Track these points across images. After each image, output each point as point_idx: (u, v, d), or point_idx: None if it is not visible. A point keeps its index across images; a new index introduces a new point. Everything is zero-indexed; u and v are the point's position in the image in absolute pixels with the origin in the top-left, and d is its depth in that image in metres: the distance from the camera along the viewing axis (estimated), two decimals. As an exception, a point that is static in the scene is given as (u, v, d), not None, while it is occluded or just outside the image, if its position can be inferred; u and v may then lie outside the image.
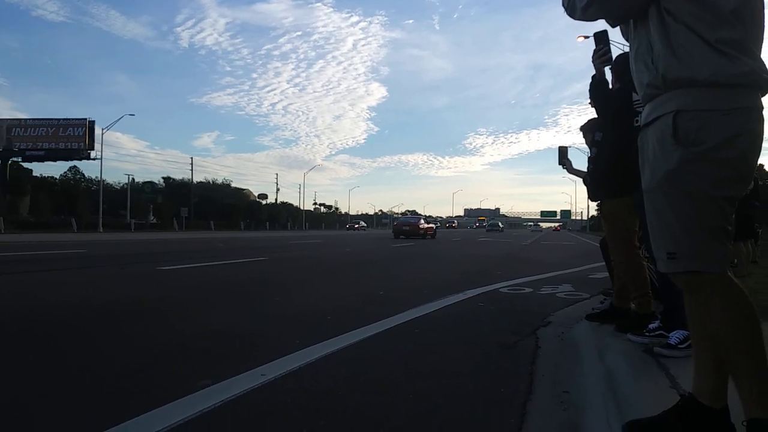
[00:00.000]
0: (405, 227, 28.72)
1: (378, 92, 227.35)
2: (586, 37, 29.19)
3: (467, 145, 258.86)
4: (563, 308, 4.75)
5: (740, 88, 1.44)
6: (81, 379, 2.45)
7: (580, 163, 5.06)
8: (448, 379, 2.55)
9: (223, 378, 2.38)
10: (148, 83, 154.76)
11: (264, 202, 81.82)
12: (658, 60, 1.51)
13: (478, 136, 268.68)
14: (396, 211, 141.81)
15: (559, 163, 4.29)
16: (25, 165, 52.33)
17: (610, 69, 3.35)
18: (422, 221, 30.13)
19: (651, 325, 3.02)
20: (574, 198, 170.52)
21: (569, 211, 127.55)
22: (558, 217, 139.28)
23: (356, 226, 73.08)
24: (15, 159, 49.85)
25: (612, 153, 3.36)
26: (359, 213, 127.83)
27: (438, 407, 2.15)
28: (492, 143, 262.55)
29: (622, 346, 2.91)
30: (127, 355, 2.89)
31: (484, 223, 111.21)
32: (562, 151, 4.27)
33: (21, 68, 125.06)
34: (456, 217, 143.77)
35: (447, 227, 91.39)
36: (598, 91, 3.42)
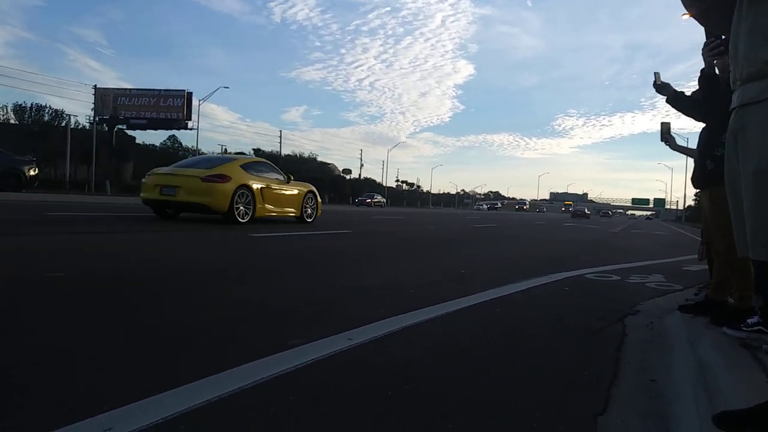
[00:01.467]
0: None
1: (465, 70, 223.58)
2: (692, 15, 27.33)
3: (556, 127, 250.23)
4: (653, 298, 4.59)
5: None
6: (185, 331, 2.65)
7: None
8: (530, 358, 2.57)
9: (312, 339, 2.51)
10: (241, 57, 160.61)
11: (348, 177, 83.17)
12: None
13: (568, 117, 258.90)
14: (479, 192, 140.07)
15: (662, 140, 4.07)
16: (129, 132, 55.92)
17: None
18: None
19: (750, 320, 2.88)
20: (670, 186, 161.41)
21: (663, 199, 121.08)
22: (651, 205, 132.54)
23: (368, 200, 56.31)
24: (120, 126, 53.31)
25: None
26: (441, 192, 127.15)
27: (518, 382, 2.18)
28: (582, 125, 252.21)
29: (715, 338, 2.79)
30: (222, 312, 3.09)
31: (571, 207, 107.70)
32: (665, 127, 4.03)
33: (126, 41, 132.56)
34: (541, 200, 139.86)
35: (516, 209, 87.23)
36: (708, 86, 3.23)
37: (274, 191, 11.35)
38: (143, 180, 10.70)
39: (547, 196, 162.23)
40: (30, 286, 3.45)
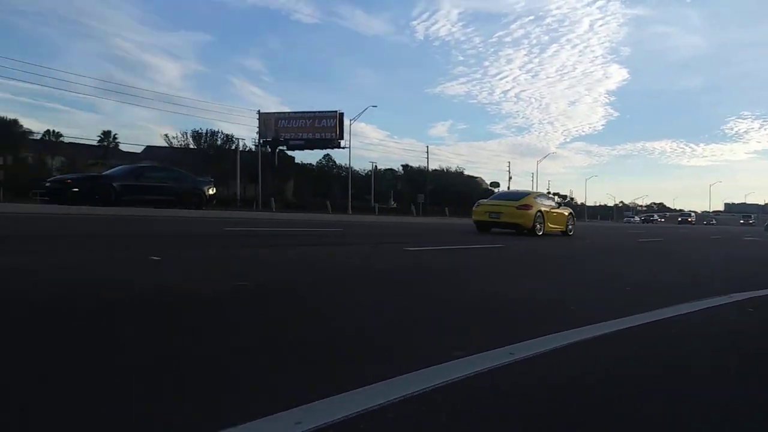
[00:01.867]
0: None
1: (618, 75, 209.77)
2: None
3: (727, 131, 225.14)
4: None
5: None
6: (354, 337, 2.83)
7: None
8: (708, 389, 2.38)
9: (474, 352, 2.54)
10: (387, 76, 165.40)
11: (496, 190, 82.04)
12: None
13: (741, 120, 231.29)
14: (640, 204, 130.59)
15: None
16: (289, 153, 60.27)
17: None
18: None
19: None
20: None
21: None
22: None
23: None
24: (281, 147, 57.63)
25: None
26: (597, 204, 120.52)
27: (691, 412, 2.04)
28: (759, 128, 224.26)
29: None
30: (393, 318, 3.24)
31: (751, 219, 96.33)
32: None
33: (283, 67, 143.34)
34: (714, 212, 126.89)
35: (679, 221, 78.23)
36: None
37: (553, 213, 16.54)
38: (474, 208, 16.52)
39: (721, 207, 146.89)
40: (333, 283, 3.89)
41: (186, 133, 58.43)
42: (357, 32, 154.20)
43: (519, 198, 16.13)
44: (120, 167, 21.24)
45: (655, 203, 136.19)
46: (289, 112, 57.61)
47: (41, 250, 6.23)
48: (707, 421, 1.94)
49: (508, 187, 78.16)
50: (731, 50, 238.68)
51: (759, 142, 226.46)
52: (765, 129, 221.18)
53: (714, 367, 2.66)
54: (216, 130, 59.60)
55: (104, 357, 2.29)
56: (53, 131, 62.35)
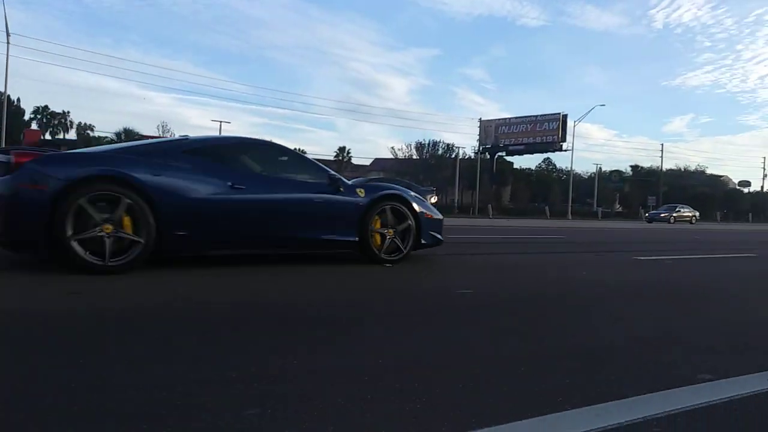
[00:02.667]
0: None
1: None
2: None
3: None
4: None
5: None
6: (603, 351, 2.79)
7: None
8: None
9: (723, 376, 2.34)
10: (618, 72, 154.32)
11: (746, 190, 71.64)
12: None
13: None
14: None
15: None
16: (508, 158, 59.96)
17: None
18: None
19: None
20: None
21: None
22: None
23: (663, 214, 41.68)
24: (500, 153, 57.63)
25: None
26: None
27: None
28: None
29: None
30: (602, 342, 3.12)
31: None
32: None
33: (506, 74, 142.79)
34: None
35: None
36: None
37: None
38: None
39: None
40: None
41: (410, 144, 61.77)
42: (586, 29, 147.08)
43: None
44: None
45: None
46: (509, 118, 57.39)
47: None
48: None
49: (762, 187, 67.69)
50: None
51: None
52: None
53: None
54: (437, 140, 61.86)
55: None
56: (298, 149, 70.82)
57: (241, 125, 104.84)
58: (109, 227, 4.23)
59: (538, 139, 53.47)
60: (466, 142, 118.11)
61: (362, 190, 5.69)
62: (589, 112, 58.94)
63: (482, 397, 2.03)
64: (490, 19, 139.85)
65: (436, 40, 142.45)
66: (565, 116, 51.46)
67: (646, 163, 66.39)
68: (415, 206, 5.96)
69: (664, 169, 60.96)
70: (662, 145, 63.67)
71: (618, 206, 54.77)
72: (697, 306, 4.35)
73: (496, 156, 57.52)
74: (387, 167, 59.87)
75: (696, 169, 70.48)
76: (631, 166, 65.41)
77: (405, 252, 5.84)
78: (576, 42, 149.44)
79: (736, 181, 75.36)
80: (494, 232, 14.90)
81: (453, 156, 57.67)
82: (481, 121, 57.05)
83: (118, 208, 4.27)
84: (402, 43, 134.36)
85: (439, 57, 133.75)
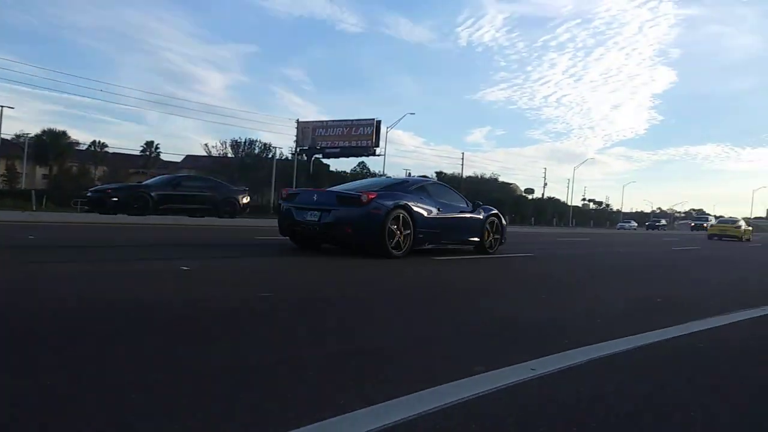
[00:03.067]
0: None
1: (665, 77, 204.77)
2: None
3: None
4: None
5: None
6: (363, 354, 2.86)
7: None
8: (738, 405, 2.34)
9: (495, 367, 2.55)
10: (427, 83, 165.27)
11: (530, 197, 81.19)
12: None
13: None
14: (678, 210, 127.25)
15: None
16: (325, 161, 60.77)
17: None
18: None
19: None
20: None
21: None
22: None
23: None
24: (317, 156, 58.17)
25: None
26: (633, 210, 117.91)
27: (722, 428, 2.01)
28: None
29: None
30: (401, 338, 3.27)
31: None
32: None
33: (325, 76, 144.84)
34: (755, 218, 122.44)
35: (693, 227, 60.29)
36: None
37: (742, 228, 26.80)
38: (710, 226, 22.96)
39: (763, 214, 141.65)
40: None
41: (225, 142, 59.46)
42: (400, 40, 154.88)
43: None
44: (158, 177, 21.90)
45: (694, 209, 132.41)
46: (326, 121, 58.11)
47: (93, 258, 6.45)
48: None
49: (543, 195, 77.50)
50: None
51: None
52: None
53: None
54: (254, 139, 60.36)
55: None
56: (99, 142, 64.48)
57: (29, 112, 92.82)
58: (398, 232, 7.79)
59: (354, 143, 54.98)
60: (284, 142, 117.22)
61: (481, 210, 9.68)
62: (401, 119, 62.43)
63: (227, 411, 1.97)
64: (310, 21, 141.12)
65: (255, 36, 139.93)
66: (379, 122, 53.60)
67: (449, 170, 71.94)
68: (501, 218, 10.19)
69: (464, 176, 66.80)
70: (463, 153, 69.62)
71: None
72: (479, 303, 4.76)
73: (312, 158, 57.96)
74: (200, 165, 56.99)
75: (491, 176, 78.10)
76: (437, 172, 70.35)
77: (497, 247, 10.01)
78: (391, 51, 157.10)
79: (523, 189, 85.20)
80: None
81: (270, 156, 56.87)
82: (298, 122, 57.07)
83: (401, 222, 7.84)
84: (219, 37, 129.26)
85: (257, 54, 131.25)
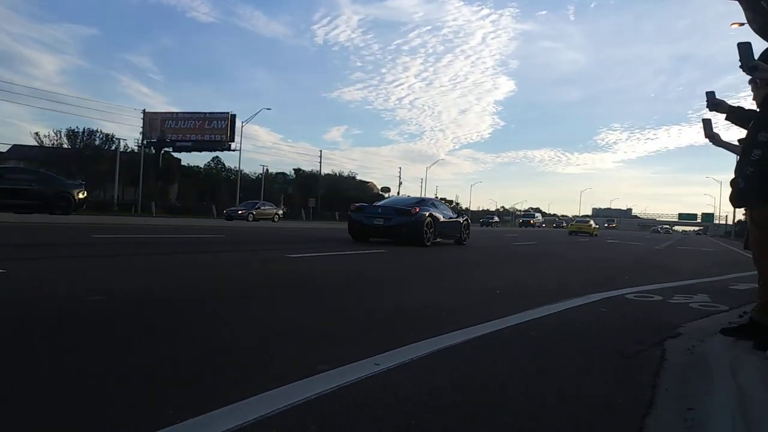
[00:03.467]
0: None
1: (506, 86, 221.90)
2: (741, 24, 26.62)
3: (599, 141, 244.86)
4: (696, 320, 4.42)
5: None
6: (206, 356, 2.69)
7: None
8: (561, 384, 2.50)
9: (339, 364, 2.51)
10: (284, 79, 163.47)
11: (387, 195, 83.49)
12: None
13: (611, 131, 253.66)
14: (518, 209, 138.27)
15: (706, 136, 3.96)
16: (175, 155, 57.61)
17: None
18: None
19: (796, 345, 2.78)
20: (719, 200, 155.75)
21: (712, 214, 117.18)
22: (699, 220, 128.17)
23: None
24: (167, 149, 54.96)
25: None
26: (480, 209, 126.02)
27: (548, 409, 2.13)
28: (626, 139, 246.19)
29: (758, 364, 2.68)
30: (247, 337, 3.12)
31: (614, 223, 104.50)
32: (707, 123, 3.91)
33: (174, 65, 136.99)
34: (583, 216, 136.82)
35: (521, 224, 68.45)
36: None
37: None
38: (570, 225, 21.17)
39: (589, 212, 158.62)
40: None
41: (59, 131, 53.81)
42: (256, 33, 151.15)
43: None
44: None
45: (532, 208, 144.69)
46: (177, 113, 55.07)
47: None
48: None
49: (398, 193, 79.98)
50: (606, 66, 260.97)
51: (625, 152, 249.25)
52: (631, 140, 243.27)
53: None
54: (95, 129, 55.20)
55: None
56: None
57: None
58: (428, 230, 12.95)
59: (207, 137, 52.80)
60: (129, 134, 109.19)
61: (464, 216, 15.65)
62: (256, 114, 60.62)
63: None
64: (158, 6, 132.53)
65: (94, 18, 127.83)
66: (233, 116, 51.97)
67: (308, 167, 71.68)
68: (469, 221, 16.03)
69: (323, 173, 66.94)
70: (321, 151, 70.12)
71: (283, 206, 57.68)
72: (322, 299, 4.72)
73: (162, 151, 54.69)
74: (30, 156, 51.04)
75: (349, 174, 79.17)
76: (295, 170, 69.88)
77: (467, 240, 15.47)
78: (246, 45, 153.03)
79: (380, 187, 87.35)
80: (153, 231, 14.02)
81: (113, 148, 52.56)
82: (145, 112, 53.50)
83: (428, 224, 12.90)
84: (53, 15, 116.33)
85: (98, 38, 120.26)
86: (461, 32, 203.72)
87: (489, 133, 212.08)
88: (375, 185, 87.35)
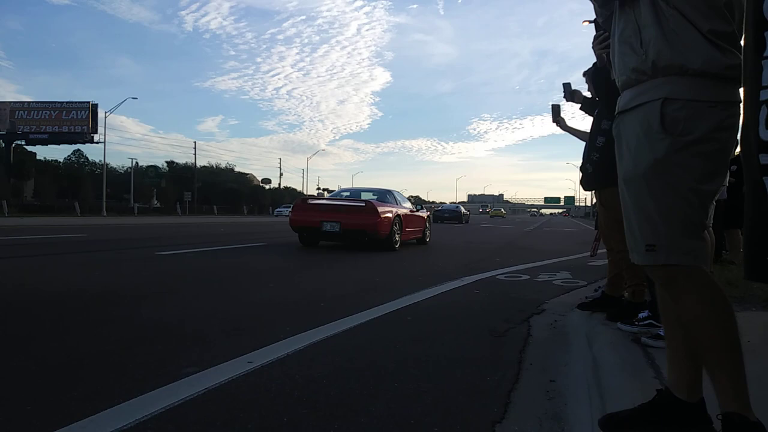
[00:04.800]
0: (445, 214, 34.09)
1: (382, 77, 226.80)
2: (590, 22, 28.97)
3: (471, 131, 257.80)
4: (559, 296, 4.75)
5: (727, 80, 1.44)
6: (65, 366, 2.45)
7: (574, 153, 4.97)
8: (434, 368, 2.55)
9: (209, 365, 2.39)
10: (152, 67, 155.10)
11: (267, 186, 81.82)
12: (648, 45, 1.47)
13: (482, 121, 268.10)
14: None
15: (553, 121, 4.20)
16: (29, 148, 52.45)
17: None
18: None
19: (641, 314, 3.01)
20: (577, 184, 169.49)
21: (573, 197, 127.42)
22: (561, 203, 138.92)
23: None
24: (19, 142, 49.87)
25: None
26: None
27: (421, 395, 2.15)
28: (496, 129, 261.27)
29: (611, 335, 2.90)
30: (110, 342, 2.89)
31: (488, 208, 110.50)
32: (555, 109, 4.16)
33: (25, 51, 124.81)
34: (459, 202, 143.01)
35: None
36: (599, 78, 3.36)
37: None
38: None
39: (465, 198, 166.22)
40: None
41: None
42: (117, 18, 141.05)
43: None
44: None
45: (412, 196, 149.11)
46: (28, 102, 50.04)
47: None
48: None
49: (279, 185, 78.80)
50: (475, 60, 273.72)
51: (495, 141, 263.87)
52: (500, 129, 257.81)
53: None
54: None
55: None
56: None
57: None
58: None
59: (66, 129, 48.50)
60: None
61: (424, 210, 12.49)
62: (121, 103, 56.11)
63: None
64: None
65: None
66: (95, 105, 48.13)
67: (182, 160, 68.11)
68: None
69: (198, 166, 64.02)
70: (195, 143, 66.38)
71: (156, 201, 54.61)
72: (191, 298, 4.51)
73: (13, 144, 49.52)
74: None
75: (226, 166, 76.37)
76: (168, 162, 66.06)
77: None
78: (107, 30, 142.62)
79: (260, 179, 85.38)
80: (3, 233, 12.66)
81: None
82: (-9, 102, 48.18)
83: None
84: None
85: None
86: (336, 23, 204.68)
87: (368, 124, 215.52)
88: (255, 177, 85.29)
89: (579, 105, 3.84)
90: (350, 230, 9.44)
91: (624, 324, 3.00)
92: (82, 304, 3.98)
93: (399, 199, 11.43)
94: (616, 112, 1.62)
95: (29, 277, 5.43)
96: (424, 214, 12.18)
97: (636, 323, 2.95)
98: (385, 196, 11.09)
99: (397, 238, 10.07)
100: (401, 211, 10.56)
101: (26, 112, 48.74)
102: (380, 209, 9.62)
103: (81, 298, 4.22)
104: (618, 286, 3.67)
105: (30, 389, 2.12)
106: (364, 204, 9.74)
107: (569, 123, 4.19)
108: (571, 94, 3.82)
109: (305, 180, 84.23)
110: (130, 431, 1.71)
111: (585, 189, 3.79)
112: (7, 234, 12.23)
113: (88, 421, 1.77)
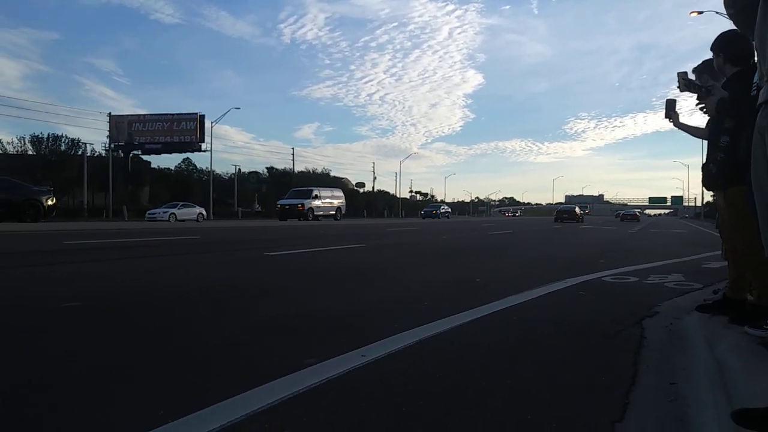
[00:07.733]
0: (564, 214, 40.67)
1: (474, 79, 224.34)
2: (700, 13, 27.15)
3: (567, 130, 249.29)
4: (672, 298, 4.53)
5: None
6: (200, 355, 2.67)
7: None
8: (546, 367, 2.54)
9: (326, 357, 2.52)
10: (253, 78, 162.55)
11: (361, 190, 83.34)
12: None
13: (579, 120, 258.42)
14: (493, 199, 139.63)
15: (666, 116, 4.02)
16: (145, 157, 56.63)
17: (715, 56, 3.33)
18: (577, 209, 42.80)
19: (770, 318, 2.83)
20: (687, 183, 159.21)
21: (681, 197, 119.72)
22: (668, 203, 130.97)
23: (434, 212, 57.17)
24: (135, 152, 53.99)
25: (749, 140, 3.15)
26: (455, 200, 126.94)
27: (535, 392, 2.16)
28: (594, 128, 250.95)
29: (734, 338, 2.75)
30: (239, 332, 3.11)
31: (587, 209, 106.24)
32: (670, 104, 3.97)
33: (140, 68, 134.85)
34: (556, 203, 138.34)
35: (508, 215, 74.55)
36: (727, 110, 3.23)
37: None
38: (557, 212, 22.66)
39: (562, 200, 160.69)
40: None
41: (23, 138, 52.24)
42: (221, 34, 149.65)
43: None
44: None
45: (506, 197, 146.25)
46: (144, 115, 54.10)
47: None
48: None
49: (373, 188, 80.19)
50: (571, 58, 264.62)
51: (594, 140, 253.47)
52: (598, 128, 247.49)
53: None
54: (60, 134, 53.73)
55: None
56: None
57: None
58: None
59: (176, 139, 52.01)
60: (96, 138, 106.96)
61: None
62: (225, 114, 59.58)
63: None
64: (120, 9, 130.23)
65: (55, 22, 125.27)
66: (202, 116, 51.25)
67: (280, 165, 70.86)
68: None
69: (296, 171, 66.51)
70: (293, 149, 69.22)
71: (257, 206, 57.18)
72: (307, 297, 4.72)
73: (131, 154, 53.73)
74: (-7, 164, 49.59)
75: (322, 171, 78.63)
76: (267, 168, 68.99)
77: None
78: (212, 45, 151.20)
79: (354, 183, 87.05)
80: (124, 235, 13.80)
81: (80, 153, 51.37)
82: (111, 116, 52.49)
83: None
84: (11, 21, 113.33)
85: (59, 42, 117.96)
86: (427, 28, 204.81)
87: (460, 126, 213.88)
88: (350, 181, 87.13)
89: (695, 96, 3.65)
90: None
91: (752, 328, 2.83)
92: (210, 301, 4.30)
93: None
94: (759, 102, 1.56)
95: (168, 274, 5.92)
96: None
97: (766, 327, 2.78)
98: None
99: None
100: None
101: (141, 124, 52.65)
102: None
103: (207, 295, 4.55)
104: (741, 288, 3.46)
105: (181, 370, 2.34)
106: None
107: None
108: (687, 84, 3.62)
109: (398, 183, 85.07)
110: (263, 413, 1.85)
111: (708, 189, 3.64)
112: (133, 236, 13.30)
113: (230, 402, 1.94)
